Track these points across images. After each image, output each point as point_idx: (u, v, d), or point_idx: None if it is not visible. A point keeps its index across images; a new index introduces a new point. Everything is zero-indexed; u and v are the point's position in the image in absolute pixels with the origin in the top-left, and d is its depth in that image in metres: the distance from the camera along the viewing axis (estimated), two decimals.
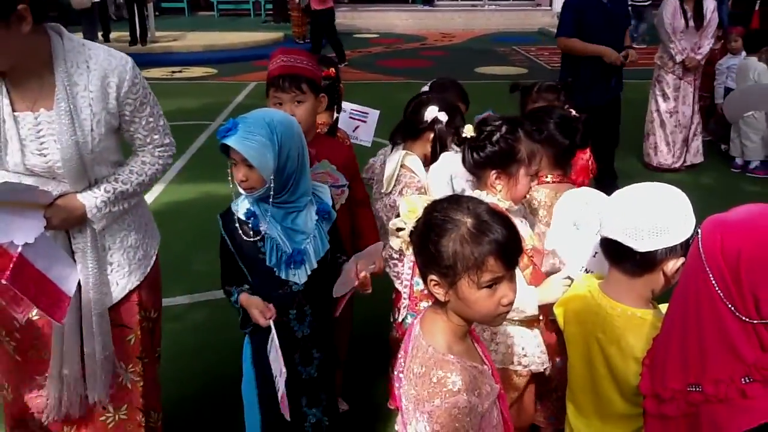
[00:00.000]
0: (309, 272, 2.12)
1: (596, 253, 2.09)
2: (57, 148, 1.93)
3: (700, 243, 1.33)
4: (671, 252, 1.65)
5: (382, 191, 2.76)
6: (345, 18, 16.40)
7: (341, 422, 2.45)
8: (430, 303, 1.64)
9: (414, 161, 2.68)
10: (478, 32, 17.15)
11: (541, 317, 2.27)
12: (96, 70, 1.95)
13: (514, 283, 1.51)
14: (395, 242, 1.61)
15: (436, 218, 1.48)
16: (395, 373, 1.66)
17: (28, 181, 1.95)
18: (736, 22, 7.99)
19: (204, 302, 4.05)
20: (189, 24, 17.00)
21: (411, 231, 1.54)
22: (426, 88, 3.10)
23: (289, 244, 2.09)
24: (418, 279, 2.62)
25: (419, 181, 2.64)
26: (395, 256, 2.68)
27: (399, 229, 1.57)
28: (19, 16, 1.77)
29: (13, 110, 1.91)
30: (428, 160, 2.71)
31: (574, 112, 2.58)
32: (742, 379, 1.28)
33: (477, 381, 1.50)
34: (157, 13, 15.53)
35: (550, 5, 18.56)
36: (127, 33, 13.08)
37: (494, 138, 2.12)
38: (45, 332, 2.10)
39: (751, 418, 1.27)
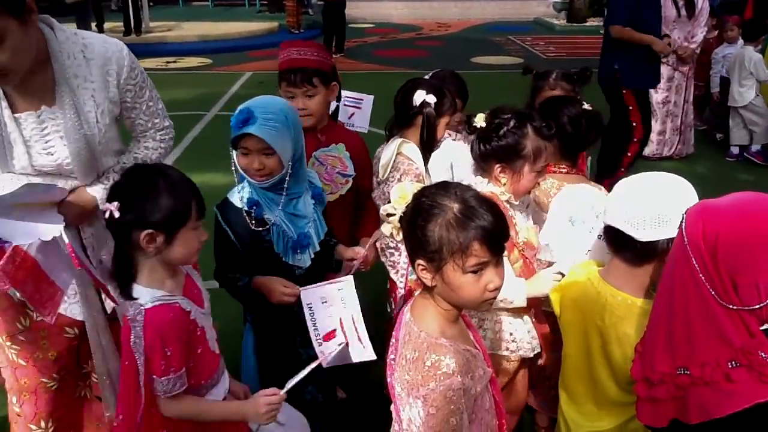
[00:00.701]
0: (312, 255, 2.16)
1: (589, 251, 2.12)
2: (64, 144, 1.89)
3: (683, 228, 1.35)
4: (672, 242, 1.65)
5: (378, 179, 2.76)
6: None
7: (338, 408, 2.47)
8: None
9: (411, 149, 2.68)
10: (473, 22, 17.11)
11: (532, 309, 2.28)
12: (94, 59, 1.91)
13: (501, 269, 1.52)
14: (386, 228, 1.62)
15: (424, 203, 1.50)
16: (387, 360, 1.68)
17: (37, 181, 1.90)
18: (730, 11, 7.99)
19: None
20: (183, 14, 16.92)
21: (400, 216, 1.55)
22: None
23: (293, 229, 2.12)
24: None
25: (417, 168, 2.64)
26: (392, 245, 2.69)
27: (389, 215, 1.58)
28: (29, 9, 1.72)
29: (14, 112, 1.85)
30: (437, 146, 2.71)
31: (586, 105, 2.56)
32: (728, 364, 1.30)
33: (470, 364, 1.52)
34: (151, 3, 15.45)
35: None
36: (121, 23, 13.01)
37: (501, 131, 2.12)
38: (53, 332, 2.05)
39: (735, 403, 1.29)
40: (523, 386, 2.46)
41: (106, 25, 13.32)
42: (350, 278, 2.02)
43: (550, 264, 2.26)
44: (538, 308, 2.32)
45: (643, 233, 1.66)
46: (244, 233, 2.10)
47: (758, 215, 1.28)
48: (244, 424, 1.90)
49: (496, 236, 1.47)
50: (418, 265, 1.51)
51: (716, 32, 7.24)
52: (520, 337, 2.30)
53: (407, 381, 1.53)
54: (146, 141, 2.13)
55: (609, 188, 1.92)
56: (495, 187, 2.12)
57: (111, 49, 1.95)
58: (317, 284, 2.05)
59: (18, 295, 1.92)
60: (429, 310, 1.56)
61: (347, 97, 3.34)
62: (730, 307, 1.29)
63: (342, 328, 2.00)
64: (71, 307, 2.02)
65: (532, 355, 2.33)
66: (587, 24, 15.46)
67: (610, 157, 5.41)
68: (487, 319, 2.27)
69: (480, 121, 2.16)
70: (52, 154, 1.89)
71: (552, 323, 2.22)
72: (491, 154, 2.14)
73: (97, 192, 1.97)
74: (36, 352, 2.03)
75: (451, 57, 11.61)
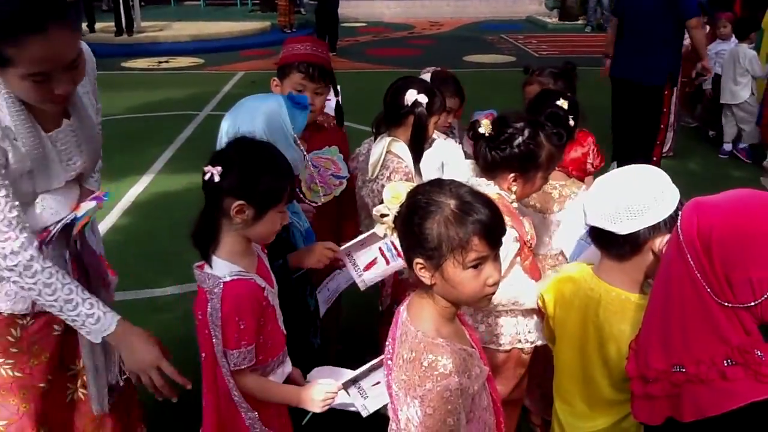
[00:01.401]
0: None
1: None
2: (80, 152, 1.90)
3: (678, 225, 1.35)
4: (655, 230, 1.67)
5: (367, 177, 2.76)
6: None
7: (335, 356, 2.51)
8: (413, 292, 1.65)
9: (400, 147, 2.67)
10: (466, 20, 17.11)
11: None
12: (86, 62, 1.87)
13: (498, 264, 1.52)
14: (380, 229, 1.61)
15: (420, 201, 1.49)
16: (384, 360, 1.67)
17: (62, 194, 1.89)
18: (722, 8, 8.03)
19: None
20: (175, 14, 16.86)
21: (395, 216, 1.55)
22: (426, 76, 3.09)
23: (302, 222, 2.18)
24: None
25: (407, 166, 2.63)
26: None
27: (383, 215, 1.58)
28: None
29: (45, 132, 1.80)
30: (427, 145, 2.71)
31: (563, 102, 2.55)
32: (724, 362, 1.30)
33: (467, 363, 1.52)
34: (142, 3, 15.41)
35: None
36: (113, 23, 12.96)
37: (516, 141, 2.11)
38: (43, 334, 2.00)
39: (730, 401, 1.29)
40: (515, 375, 2.42)
41: (98, 26, 13.28)
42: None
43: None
44: None
45: (621, 226, 1.67)
46: None
47: (751, 212, 1.29)
48: (286, 408, 1.95)
49: (494, 230, 1.47)
50: (417, 264, 1.50)
51: (708, 29, 7.25)
52: (521, 330, 2.28)
53: (404, 381, 1.53)
54: None
55: None
56: (503, 192, 2.12)
57: (86, 49, 1.91)
58: (357, 239, 2.15)
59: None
60: (426, 309, 1.56)
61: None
62: (726, 304, 1.29)
63: (383, 254, 2.14)
64: None
65: (528, 346, 2.31)
66: (579, 22, 15.49)
67: (640, 153, 5.32)
68: (483, 313, 2.27)
69: (485, 128, 2.13)
70: (74, 164, 1.90)
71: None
72: (505, 163, 2.12)
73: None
74: (31, 359, 2.00)
75: (444, 56, 11.60)
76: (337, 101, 2.94)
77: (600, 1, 14.65)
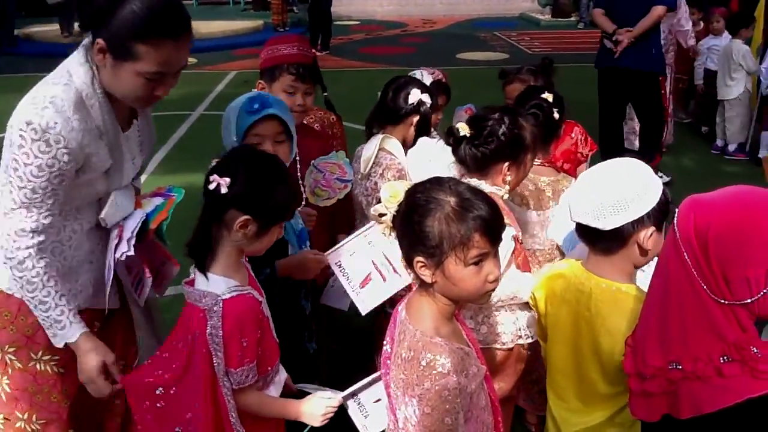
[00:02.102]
0: (309, 247, 2.20)
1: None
2: (140, 151, 1.99)
3: (675, 223, 1.35)
4: (639, 224, 1.68)
5: (360, 174, 2.76)
6: None
7: (331, 358, 2.52)
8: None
9: (394, 144, 2.68)
10: (459, 18, 17.10)
11: None
12: None
13: (498, 260, 1.53)
14: (377, 229, 1.61)
15: (419, 199, 1.50)
16: (382, 359, 1.67)
17: (127, 191, 1.96)
18: (717, 3, 8.06)
19: None
20: None
21: (394, 215, 1.54)
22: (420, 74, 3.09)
23: (295, 223, 2.16)
24: None
25: (399, 163, 2.64)
26: None
27: (381, 215, 1.58)
28: None
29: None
30: (408, 144, 2.72)
31: (548, 95, 2.57)
32: (721, 358, 1.31)
33: (464, 362, 1.52)
34: None
35: None
36: None
37: (501, 131, 2.11)
38: None
39: (727, 398, 1.29)
40: (516, 371, 2.41)
41: None
42: (376, 226, 2.04)
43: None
44: None
45: (604, 222, 1.68)
46: None
47: (748, 209, 1.29)
48: (284, 422, 1.91)
49: (494, 226, 1.48)
50: (417, 262, 1.50)
51: (702, 24, 7.27)
52: (521, 326, 2.28)
53: (402, 380, 1.53)
54: None
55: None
56: (493, 188, 2.12)
57: None
58: (341, 243, 2.13)
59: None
60: (425, 308, 1.56)
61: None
62: (722, 301, 1.30)
63: (376, 267, 2.09)
64: (112, 298, 2.01)
65: (528, 341, 2.30)
66: (572, 19, 15.51)
67: (650, 143, 5.59)
68: (482, 312, 2.27)
69: (464, 129, 2.14)
70: (137, 162, 1.99)
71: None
72: (497, 155, 2.13)
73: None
74: (73, 355, 1.99)
75: (437, 53, 11.60)
76: (326, 97, 2.97)
77: None
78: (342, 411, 1.89)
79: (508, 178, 2.15)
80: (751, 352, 1.30)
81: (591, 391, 1.82)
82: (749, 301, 1.28)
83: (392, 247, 1.97)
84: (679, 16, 6.15)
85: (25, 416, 1.95)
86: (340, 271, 2.10)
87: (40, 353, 1.90)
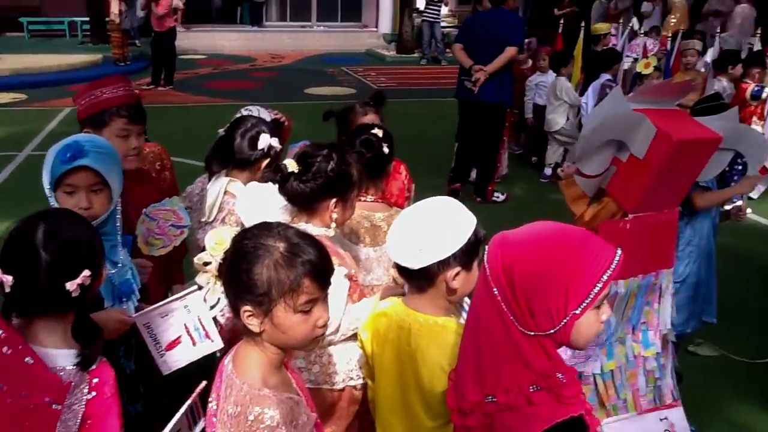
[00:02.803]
0: (136, 304, 2.07)
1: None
2: None
3: (485, 260, 1.42)
4: (444, 265, 1.74)
5: (203, 220, 2.68)
6: None
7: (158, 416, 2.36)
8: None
9: (238, 187, 2.64)
10: (307, 53, 17.28)
11: None
12: None
13: (327, 304, 1.53)
14: (201, 278, 1.57)
15: (247, 246, 1.47)
16: (207, 416, 1.61)
17: None
18: (541, 42, 8.75)
19: None
20: None
21: (220, 263, 1.51)
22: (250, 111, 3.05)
23: (116, 277, 2.02)
24: None
25: None
26: None
27: (206, 263, 1.53)
28: None
29: None
30: None
31: (378, 131, 2.63)
32: (530, 387, 1.38)
33: (294, 412, 1.50)
34: None
35: (377, 27, 19.19)
36: None
37: (329, 167, 2.12)
38: None
39: (536, 425, 1.36)
40: (348, 414, 2.41)
41: None
42: (197, 293, 1.96)
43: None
44: None
45: (413, 262, 1.74)
46: None
47: (546, 245, 1.38)
48: None
49: (323, 271, 1.49)
50: (245, 311, 1.47)
51: (530, 62, 7.83)
52: (353, 367, 2.28)
53: None
54: None
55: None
56: (321, 229, 2.13)
57: None
58: (155, 305, 2.00)
59: None
60: (252, 358, 1.52)
61: None
62: (530, 333, 1.37)
63: (188, 332, 2.01)
64: None
65: (360, 382, 2.32)
66: (415, 55, 16.14)
67: (488, 172, 6.17)
68: (315, 351, 2.25)
69: (292, 166, 2.14)
70: None
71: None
72: (324, 191, 2.13)
73: None
74: None
75: (285, 88, 11.64)
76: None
77: (434, 35, 15.40)
78: None
79: (335, 215, 2.17)
80: (557, 378, 1.39)
81: (417, 426, 1.86)
82: (552, 331, 1.37)
83: (209, 312, 1.93)
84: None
85: None
86: (148, 332, 2.00)
87: None
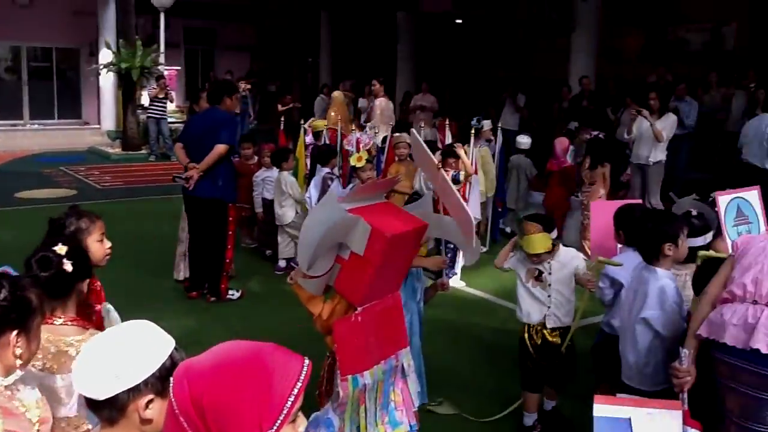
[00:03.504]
0: None
1: None
2: None
3: (172, 393, 1.36)
4: (135, 392, 1.62)
5: None
6: None
7: None
8: None
9: None
10: (20, 154, 15.83)
11: None
12: None
13: None
14: None
15: None
16: None
17: None
18: (267, 139, 9.09)
19: None
20: None
21: None
22: None
23: None
24: None
25: None
26: None
27: None
28: None
29: None
30: None
31: (61, 247, 2.48)
32: None
33: None
34: None
35: (99, 124, 18.32)
36: None
37: (1, 297, 1.91)
38: None
39: None
40: None
41: None
42: None
43: None
44: None
45: (98, 392, 1.61)
46: None
47: (233, 372, 1.34)
48: None
49: None
50: None
51: (256, 158, 8.03)
52: None
53: None
54: None
55: None
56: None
57: None
58: None
59: None
60: None
61: None
62: None
63: None
64: None
65: None
66: (142, 152, 15.64)
67: (217, 268, 6.19)
68: None
69: None
70: None
71: None
72: (1, 324, 1.91)
73: None
74: None
75: None
76: None
77: (161, 131, 15.10)
78: None
79: (19, 351, 1.95)
80: None
81: None
82: None
83: None
84: None
85: None
86: None
87: None
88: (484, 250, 7.92)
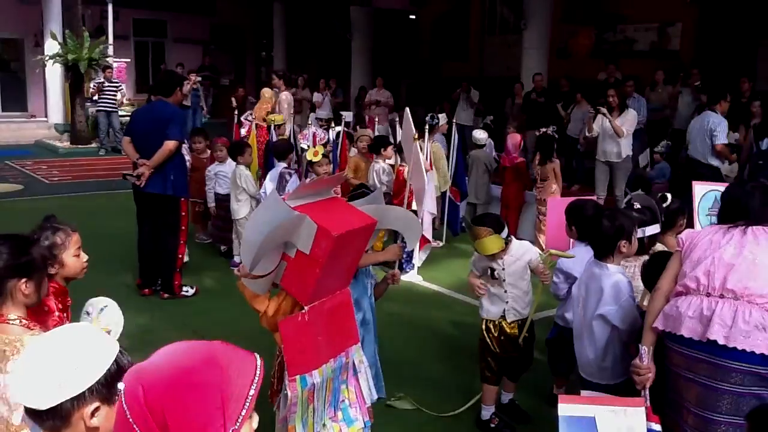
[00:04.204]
0: None
1: None
2: None
3: (123, 399, 1.32)
4: (80, 401, 1.56)
5: None
6: None
7: None
8: None
9: None
10: None
11: None
12: None
13: None
14: None
15: None
16: None
17: None
18: (220, 133, 8.97)
19: None
20: None
21: None
22: None
23: None
24: None
25: None
26: None
27: None
28: None
29: None
30: None
31: None
32: None
33: None
34: None
35: (46, 117, 17.81)
36: None
37: None
38: None
39: None
40: None
41: None
42: None
43: None
44: None
45: (39, 401, 1.54)
46: None
47: (192, 374, 1.32)
48: None
49: None
50: None
51: (209, 152, 7.91)
52: None
53: None
54: None
55: None
56: None
57: None
58: None
59: None
60: None
61: None
62: None
63: None
64: None
65: None
66: (92, 146, 15.29)
67: (167, 266, 6.08)
68: None
69: None
70: None
71: None
72: None
73: None
74: None
75: None
76: None
77: (111, 124, 14.75)
78: None
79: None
80: None
81: None
82: None
83: None
84: None
85: None
86: None
87: None
88: (440, 245, 7.99)
